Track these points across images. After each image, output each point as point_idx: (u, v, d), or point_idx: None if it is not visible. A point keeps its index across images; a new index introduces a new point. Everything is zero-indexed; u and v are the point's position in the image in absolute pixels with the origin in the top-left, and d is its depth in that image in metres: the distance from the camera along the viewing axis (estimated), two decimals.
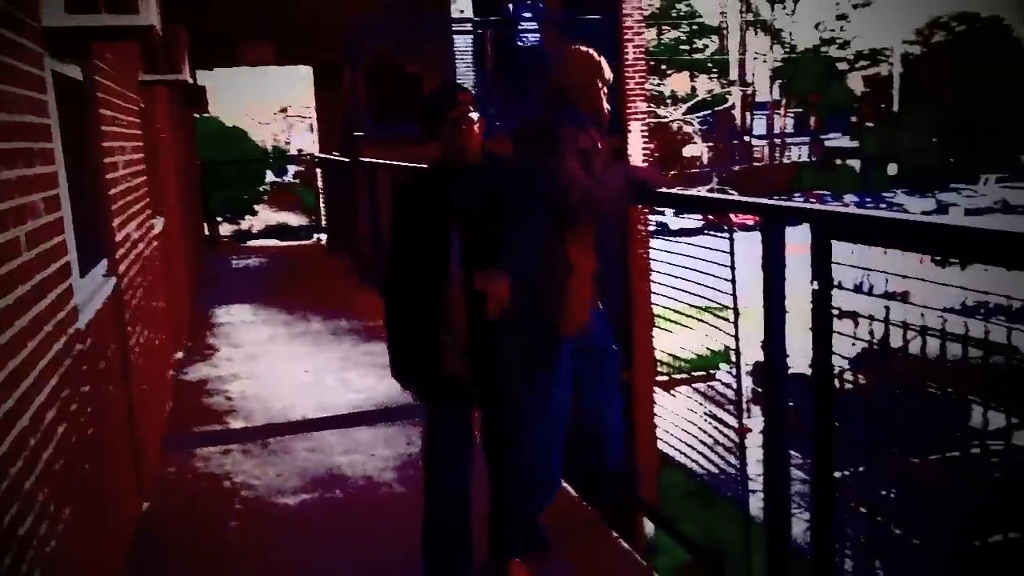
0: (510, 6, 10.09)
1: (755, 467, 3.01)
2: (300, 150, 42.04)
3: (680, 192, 3.40)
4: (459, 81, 10.93)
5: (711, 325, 3.15)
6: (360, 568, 3.58)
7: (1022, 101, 48.33)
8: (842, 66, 49.94)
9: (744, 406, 3.38)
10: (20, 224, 2.46)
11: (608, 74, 3.36)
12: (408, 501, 3.84)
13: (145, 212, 5.70)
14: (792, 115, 51.44)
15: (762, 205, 2.64)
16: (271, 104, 51.08)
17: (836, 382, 2.40)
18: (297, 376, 6.43)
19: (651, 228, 3.58)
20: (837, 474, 2.42)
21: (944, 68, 49.06)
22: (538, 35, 10.10)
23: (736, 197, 3.01)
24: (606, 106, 3.35)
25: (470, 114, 2.92)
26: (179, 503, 4.36)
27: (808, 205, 2.82)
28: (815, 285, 2.30)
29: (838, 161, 48.39)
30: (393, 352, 3.11)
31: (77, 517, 2.75)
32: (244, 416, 5.60)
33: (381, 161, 8.51)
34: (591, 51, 3.37)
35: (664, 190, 3.41)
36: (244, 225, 26.82)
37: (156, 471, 4.66)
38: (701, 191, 33.58)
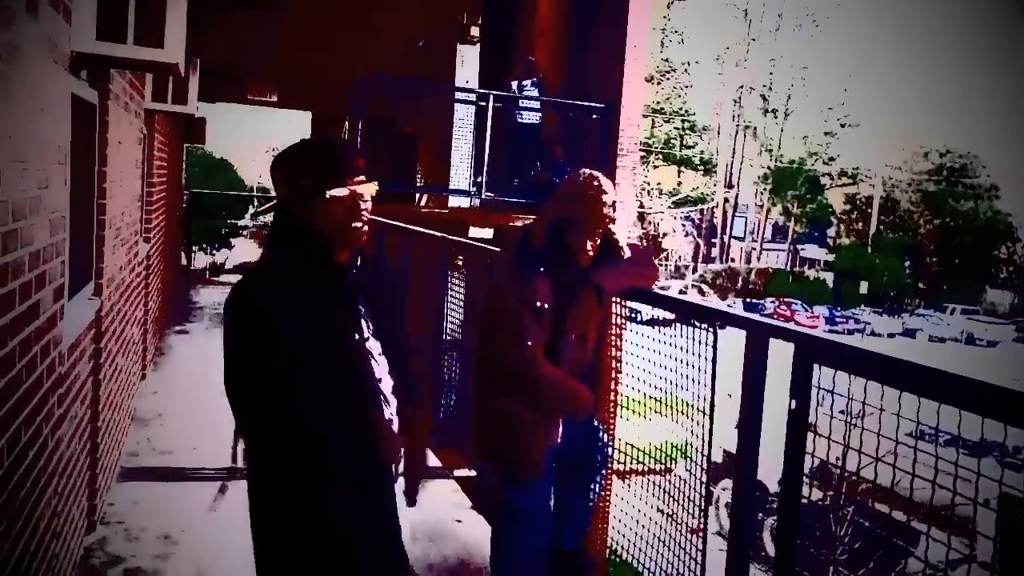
0: (513, 84, 10.30)
1: (709, 570, 3.03)
2: None
3: (668, 295, 3.39)
4: (455, 147, 11.12)
5: (686, 416, 3.16)
6: None
7: (992, 239, 49.87)
8: (825, 181, 51.30)
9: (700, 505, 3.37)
10: (27, 244, 2.48)
11: (605, 205, 3.09)
12: None
13: (134, 238, 5.71)
14: (771, 221, 52.58)
15: (751, 321, 2.64)
16: (264, 144, 51.33)
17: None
18: None
19: (625, 313, 3.58)
20: None
21: (922, 196, 50.61)
22: (538, 114, 10.31)
23: (727, 310, 3.02)
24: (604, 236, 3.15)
25: (365, 186, 2.12)
26: (127, 538, 4.28)
27: (794, 328, 2.86)
28: (793, 404, 2.36)
29: (811, 272, 49.33)
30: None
31: (28, 544, 2.70)
32: (204, 453, 5.53)
33: (379, 219, 8.49)
34: (595, 177, 3.13)
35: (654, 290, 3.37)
36: (219, 258, 26.65)
37: (108, 502, 4.58)
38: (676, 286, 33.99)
